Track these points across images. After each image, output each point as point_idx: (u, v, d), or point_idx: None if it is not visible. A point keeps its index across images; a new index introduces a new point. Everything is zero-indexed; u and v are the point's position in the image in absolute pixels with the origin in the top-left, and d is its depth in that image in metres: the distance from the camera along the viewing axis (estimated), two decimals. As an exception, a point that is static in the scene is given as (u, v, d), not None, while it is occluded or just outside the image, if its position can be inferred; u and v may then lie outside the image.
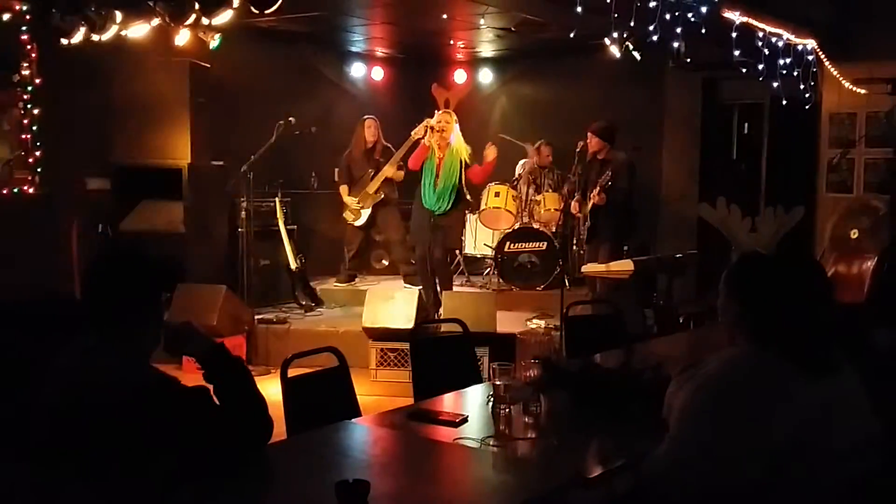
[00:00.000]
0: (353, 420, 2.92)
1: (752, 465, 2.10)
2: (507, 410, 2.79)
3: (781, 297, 2.21)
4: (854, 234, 6.94)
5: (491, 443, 2.63)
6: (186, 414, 2.14)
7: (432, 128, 7.02)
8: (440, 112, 7.18)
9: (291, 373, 3.07)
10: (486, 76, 10.05)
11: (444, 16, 6.74)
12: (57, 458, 2.06)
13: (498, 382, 2.83)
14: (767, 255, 2.38)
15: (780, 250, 2.79)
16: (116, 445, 2.05)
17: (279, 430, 2.52)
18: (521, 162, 8.79)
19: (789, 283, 2.24)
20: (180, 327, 2.37)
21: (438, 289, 7.18)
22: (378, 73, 9.68)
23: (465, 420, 2.83)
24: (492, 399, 2.87)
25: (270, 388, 2.56)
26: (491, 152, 7.14)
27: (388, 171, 7.89)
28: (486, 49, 9.27)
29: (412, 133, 7.38)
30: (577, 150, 7.26)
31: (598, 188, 6.71)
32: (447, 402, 3.11)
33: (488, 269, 8.53)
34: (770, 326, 2.20)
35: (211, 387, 2.29)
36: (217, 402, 2.25)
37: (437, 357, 3.79)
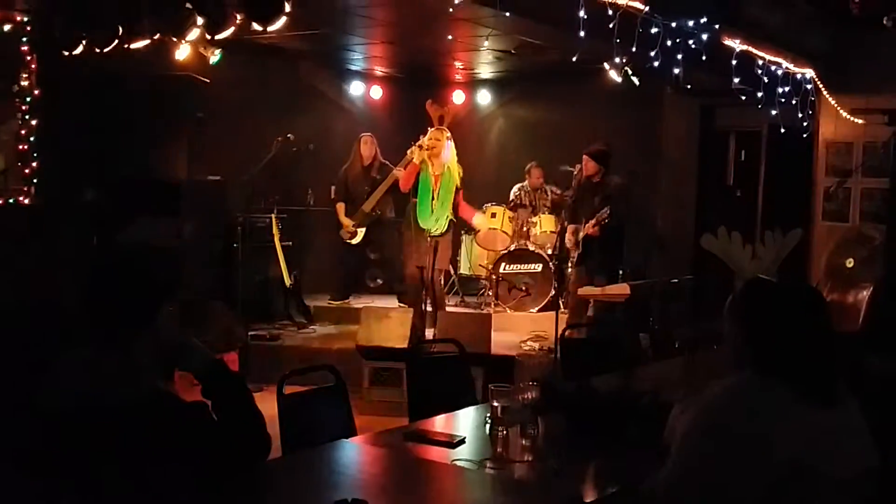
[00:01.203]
0: (349, 439, 2.90)
1: (752, 491, 2.08)
2: (505, 432, 2.77)
3: (786, 325, 2.21)
4: (849, 263, 6.96)
5: (488, 465, 2.61)
6: (184, 429, 2.11)
7: (421, 146, 7.00)
8: (432, 129, 7.14)
9: (285, 390, 3.04)
10: (483, 97, 10.08)
11: (450, 37, 6.76)
12: (53, 469, 2.03)
13: (496, 404, 2.81)
14: (772, 282, 2.38)
15: (784, 278, 2.78)
16: (113, 458, 2.02)
17: (274, 447, 2.49)
18: (517, 186, 8.78)
19: (794, 310, 2.24)
20: (180, 341, 2.34)
21: (429, 308, 7.14)
22: (376, 92, 9.70)
23: (462, 441, 2.81)
24: (489, 420, 2.85)
25: (263, 405, 2.54)
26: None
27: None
28: (485, 70, 9.31)
29: (408, 152, 7.37)
30: (574, 173, 7.28)
31: (594, 220, 6.69)
32: (444, 423, 3.09)
33: (483, 290, 8.51)
34: (774, 353, 2.20)
35: (209, 403, 2.27)
36: (215, 419, 2.22)
37: (432, 377, 3.77)
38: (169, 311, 2.31)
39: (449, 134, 7.11)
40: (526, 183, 8.68)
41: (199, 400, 2.24)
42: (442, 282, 7.52)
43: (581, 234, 6.86)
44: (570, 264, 7.79)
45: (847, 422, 2.19)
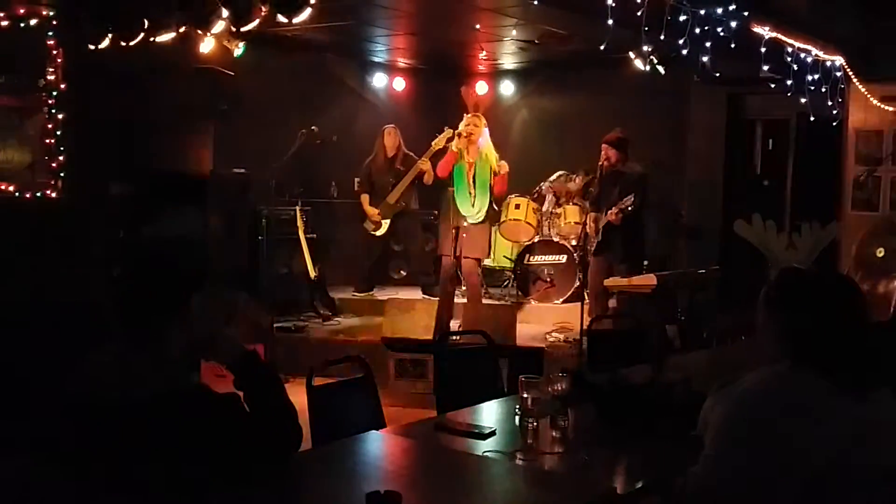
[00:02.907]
0: (380, 430, 2.90)
1: (789, 485, 2.05)
2: (535, 424, 2.76)
3: (823, 314, 2.17)
4: (880, 253, 6.86)
5: (519, 456, 2.60)
6: (216, 421, 2.11)
7: (459, 134, 6.92)
8: (469, 115, 7.08)
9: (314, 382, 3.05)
10: (507, 88, 10.04)
11: (477, 26, 6.73)
12: (87, 463, 2.03)
13: (526, 395, 2.79)
14: (808, 271, 2.34)
15: (818, 267, 2.76)
16: (147, 451, 2.02)
17: (304, 439, 2.48)
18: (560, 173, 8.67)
19: (831, 299, 2.20)
20: (212, 333, 2.34)
21: (462, 299, 7.10)
22: (399, 84, 9.69)
23: (492, 433, 2.80)
24: (519, 412, 2.84)
25: (290, 397, 2.53)
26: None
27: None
28: (508, 61, 9.26)
29: (433, 143, 7.36)
30: (600, 163, 7.23)
31: (616, 209, 6.64)
32: (473, 415, 3.08)
33: (507, 282, 8.49)
34: (810, 344, 2.16)
35: (241, 394, 2.26)
36: (247, 410, 2.22)
37: (460, 369, 3.76)
38: (197, 304, 2.30)
39: (485, 121, 7.04)
40: (573, 182, 8.56)
41: (231, 392, 2.24)
42: (480, 273, 7.41)
43: (602, 222, 6.82)
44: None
45: (884, 413, 2.16)
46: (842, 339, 2.15)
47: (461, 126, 6.96)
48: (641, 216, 6.90)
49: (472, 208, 6.87)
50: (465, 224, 6.85)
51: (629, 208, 6.55)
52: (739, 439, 2.12)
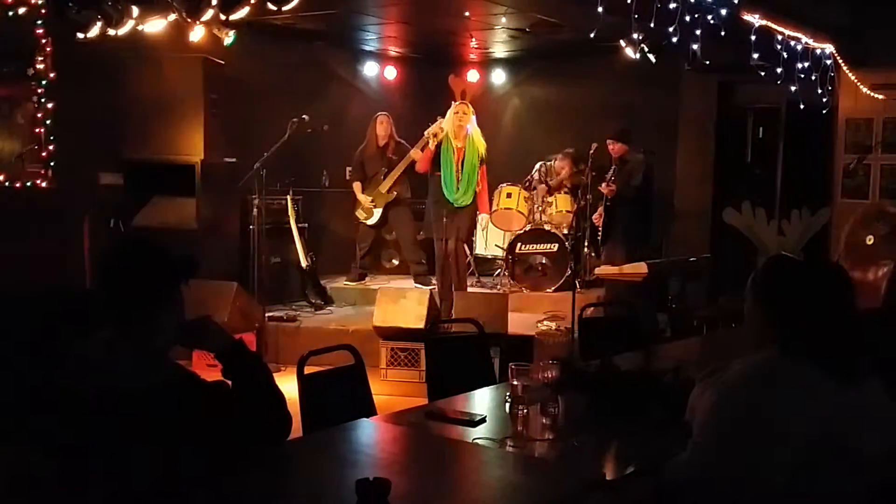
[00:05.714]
0: (370, 418, 2.90)
1: (778, 472, 2.06)
2: (525, 411, 2.77)
3: (810, 302, 2.18)
4: (869, 240, 6.86)
5: (509, 443, 2.61)
6: (205, 409, 2.12)
7: (435, 134, 7.11)
8: (456, 103, 7.19)
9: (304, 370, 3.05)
10: (498, 77, 10.03)
11: (466, 13, 6.75)
12: (79, 450, 2.04)
13: (516, 383, 2.80)
14: (796, 259, 2.34)
15: (807, 254, 2.78)
16: (135, 440, 2.03)
17: (294, 427, 2.49)
18: (540, 163, 8.73)
19: (818, 287, 2.21)
20: (199, 322, 2.34)
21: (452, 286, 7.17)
22: (391, 73, 9.67)
23: (482, 420, 2.81)
24: (510, 399, 2.85)
25: (281, 385, 2.55)
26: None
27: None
28: (500, 50, 9.26)
29: (425, 133, 7.35)
30: (591, 151, 7.25)
31: (605, 182, 6.89)
32: (463, 402, 3.08)
33: (499, 270, 8.50)
34: (797, 331, 2.17)
35: (230, 382, 2.27)
36: (236, 398, 2.23)
37: (451, 357, 3.77)
38: (187, 293, 2.31)
39: (472, 110, 7.21)
40: (552, 164, 8.65)
41: (220, 380, 2.25)
42: (468, 255, 7.52)
43: (604, 200, 7.00)
44: (587, 244, 7.81)
45: (872, 400, 2.17)
46: (828, 327, 2.16)
47: (449, 114, 7.09)
48: (645, 203, 7.04)
49: (456, 192, 7.05)
50: (453, 208, 6.97)
51: (613, 178, 6.82)
52: (726, 427, 2.13)
